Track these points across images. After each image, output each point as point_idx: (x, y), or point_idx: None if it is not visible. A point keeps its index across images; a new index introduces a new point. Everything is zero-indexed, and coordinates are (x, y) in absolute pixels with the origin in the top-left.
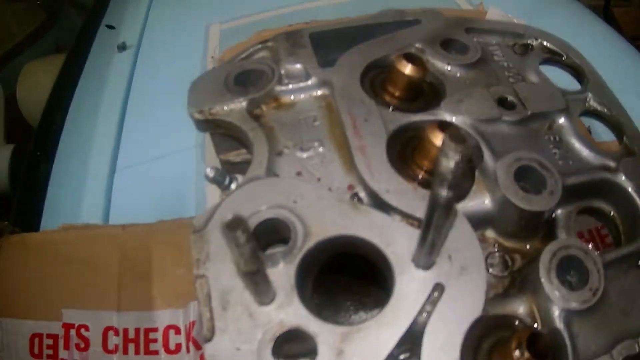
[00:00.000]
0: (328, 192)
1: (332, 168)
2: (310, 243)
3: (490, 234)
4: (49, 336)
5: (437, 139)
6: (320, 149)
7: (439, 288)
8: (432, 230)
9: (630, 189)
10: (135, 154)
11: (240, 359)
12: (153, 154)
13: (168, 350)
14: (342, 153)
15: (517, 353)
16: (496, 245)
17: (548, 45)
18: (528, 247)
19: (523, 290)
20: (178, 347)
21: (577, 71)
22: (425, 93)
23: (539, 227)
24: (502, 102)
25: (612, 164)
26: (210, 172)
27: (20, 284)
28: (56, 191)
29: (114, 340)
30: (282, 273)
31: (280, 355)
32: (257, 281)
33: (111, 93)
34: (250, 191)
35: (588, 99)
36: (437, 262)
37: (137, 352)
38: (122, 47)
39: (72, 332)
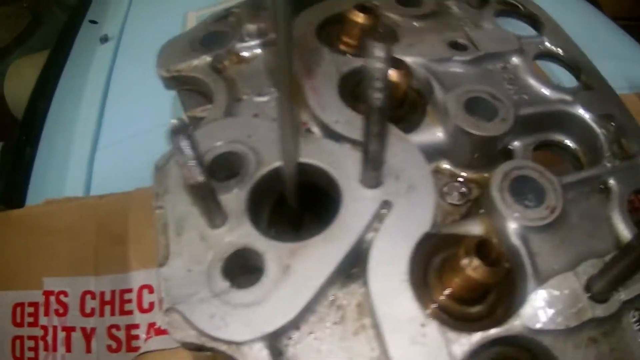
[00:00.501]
0: None
1: None
2: (262, 171)
3: (445, 165)
4: (30, 304)
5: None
6: (276, 94)
7: (386, 205)
8: (372, 141)
9: (588, 119)
10: (115, 133)
11: (192, 279)
12: (132, 131)
13: (142, 309)
14: (297, 95)
15: (465, 260)
16: (452, 176)
17: None
18: (485, 175)
19: (479, 214)
20: (151, 305)
21: (534, 20)
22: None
23: (494, 157)
24: (454, 45)
25: (568, 97)
26: (175, 122)
27: (3, 258)
28: (41, 172)
29: (91, 303)
30: (234, 198)
31: (231, 276)
32: (205, 197)
33: (93, 81)
34: (208, 130)
35: (543, 42)
36: (384, 182)
37: (112, 313)
38: (104, 39)
39: (52, 298)
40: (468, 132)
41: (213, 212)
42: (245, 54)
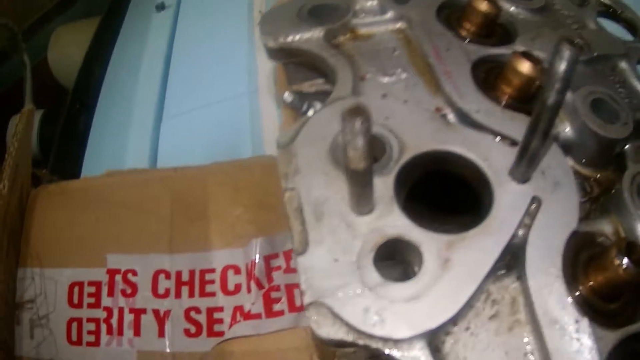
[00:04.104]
0: (419, 110)
1: (418, 92)
2: (407, 156)
3: (569, 162)
4: (90, 284)
5: (523, 66)
6: (404, 75)
7: (536, 201)
8: (536, 138)
9: None
10: (182, 102)
11: (339, 270)
12: (202, 102)
13: (226, 292)
14: (426, 79)
15: (617, 261)
16: (576, 173)
17: (603, 0)
18: (599, 176)
19: (606, 213)
20: (238, 287)
21: (632, 24)
22: (497, 32)
23: (612, 158)
24: (570, 43)
25: None
26: (288, 97)
27: (59, 232)
28: (98, 141)
29: (165, 283)
30: (380, 185)
31: (381, 267)
32: (364, 183)
33: (152, 49)
34: (339, 108)
35: None
36: (532, 177)
37: (191, 294)
38: (161, 7)
39: (118, 277)
40: (595, 132)
41: (365, 198)
42: (361, 30)
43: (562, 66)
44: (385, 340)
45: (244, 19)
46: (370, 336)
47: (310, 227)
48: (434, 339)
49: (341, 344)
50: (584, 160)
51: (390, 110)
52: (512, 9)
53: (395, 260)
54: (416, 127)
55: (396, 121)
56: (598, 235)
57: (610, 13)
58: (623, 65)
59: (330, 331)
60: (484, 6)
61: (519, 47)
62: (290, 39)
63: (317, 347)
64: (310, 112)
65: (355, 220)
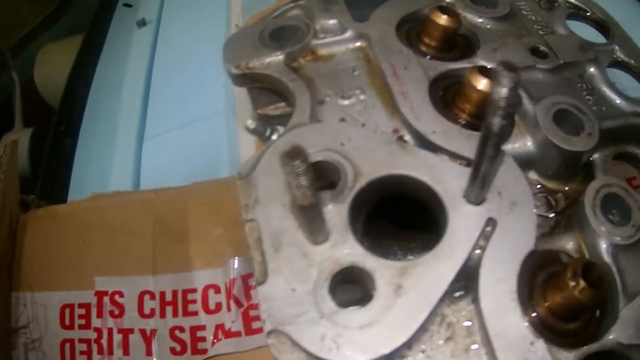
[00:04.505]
0: (375, 134)
1: (375, 113)
2: (362, 183)
3: (533, 175)
4: (80, 306)
5: (479, 82)
6: (362, 96)
7: (491, 223)
8: (484, 163)
9: None
10: (163, 122)
11: (296, 299)
12: (181, 121)
13: (208, 310)
14: (384, 99)
15: (572, 282)
16: (539, 186)
17: (573, 1)
18: (567, 188)
19: (569, 228)
20: (218, 306)
21: (602, 25)
22: (459, 44)
23: (578, 169)
24: (535, 52)
25: None
26: (251, 124)
27: (48, 256)
28: (82, 164)
29: (150, 304)
30: (334, 212)
31: (336, 295)
32: (313, 217)
33: (134, 67)
34: (296, 136)
35: (615, 51)
36: (487, 198)
37: (175, 314)
38: (142, 23)
39: (106, 299)
40: (558, 146)
41: (317, 228)
42: (321, 51)
43: (502, 93)
44: None
45: (222, 34)
46: None
47: (269, 258)
48: None
49: None
50: (548, 174)
51: (346, 135)
52: (475, 18)
53: (352, 284)
54: (371, 152)
55: (351, 147)
56: (559, 253)
57: (580, 15)
58: (592, 70)
59: (290, 358)
60: (442, 20)
61: (480, 60)
62: (251, 64)
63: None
64: (274, 137)
65: (311, 250)
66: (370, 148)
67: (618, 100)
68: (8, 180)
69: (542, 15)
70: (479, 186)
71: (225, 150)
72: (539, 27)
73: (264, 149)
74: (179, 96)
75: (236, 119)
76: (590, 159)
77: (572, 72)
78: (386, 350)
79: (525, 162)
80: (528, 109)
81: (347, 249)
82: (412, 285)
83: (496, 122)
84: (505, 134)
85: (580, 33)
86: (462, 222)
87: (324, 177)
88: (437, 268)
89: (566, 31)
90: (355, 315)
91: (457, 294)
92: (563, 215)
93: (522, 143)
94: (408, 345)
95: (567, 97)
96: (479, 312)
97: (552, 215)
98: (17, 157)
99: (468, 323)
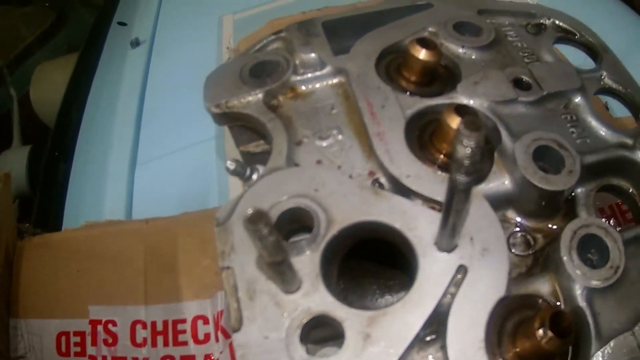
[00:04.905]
0: (349, 179)
1: (352, 155)
2: (334, 230)
3: (511, 214)
4: (76, 334)
5: (455, 122)
6: (340, 137)
7: (462, 270)
8: (452, 215)
9: None
10: (154, 148)
11: (269, 347)
12: (173, 147)
13: (197, 341)
14: (361, 139)
15: (540, 332)
16: (518, 225)
17: (561, 24)
18: (550, 226)
19: (546, 269)
20: (207, 336)
21: (591, 49)
22: (441, 76)
23: (559, 206)
24: (518, 83)
25: (629, 141)
26: (230, 165)
27: (44, 284)
28: (77, 190)
29: (142, 333)
30: (307, 261)
31: (308, 341)
32: (282, 271)
33: (127, 89)
34: (271, 182)
35: (603, 77)
36: (459, 244)
37: (165, 344)
38: (136, 43)
39: (100, 328)
40: (536, 186)
41: (287, 281)
42: (301, 88)
43: (466, 152)
44: None
45: (213, 55)
46: None
47: (244, 305)
48: None
49: None
50: (527, 212)
51: (321, 181)
52: (457, 49)
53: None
54: (344, 198)
55: (326, 193)
56: (534, 297)
57: (568, 38)
58: (578, 100)
59: None
60: (422, 55)
61: (459, 96)
62: (230, 103)
63: None
64: (255, 177)
65: (283, 299)
66: (344, 194)
67: (603, 132)
68: (3, 211)
69: (529, 40)
70: (449, 235)
71: (214, 178)
72: (525, 55)
73: (240, 195)
74: (171, 120)
75: (225, 148)
76: (573, 194)
77: (557, 103)
78: None
79: (503, 201)
80: (507, 146)
81: (318, 298)
82: (380, 335)
83: (461, 179)
84: (470, 189)
85: (570, 56)
86: (433, 270)
87: (300, 221)
88: (405, 317)
89: (553, 58)
90: None
91: (427, 339)
92: (542, 253)
93: (499, 182)
94: None
95: (549, 132)
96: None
97: (530, 253)
98: (10, 188)
99: None
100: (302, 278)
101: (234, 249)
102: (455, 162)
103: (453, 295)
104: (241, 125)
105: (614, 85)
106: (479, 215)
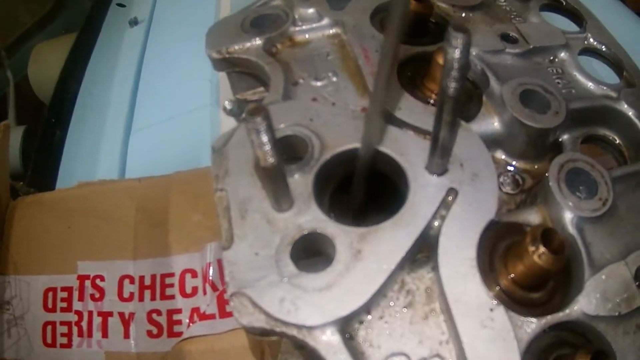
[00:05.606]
0: (342, 111)
1: (346, 94)
2: (327, 155)
3: (500, 155)
4: (63, 289)
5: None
6: (334, 79)
7: (452, 192)
8: (442, 129)
9: (632, 115)
10: (149, 116)
11: (259, 263)
12: (168, 114)
13: (185, 294)
14: (355, 81)
15: (532, 247)
16: (507, 165)
17: None
18: (535, 167)
19: (534, 202)
20: (194, 290)
21: (576, 15)
22: (430, 31)
23: (546, 149)
24: (505, 38)
25: (613, 94)
26: (228, 105)
27: (35, 241)
28: (72, 155)
29: (129, 288)
30: (299, 182)
31: (298, 260)
32: (276, 181)
33: (124, 63)
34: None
35: (587, 38)
36: (449, 169)
37: (152, 298)
38: (134, 22)
39: (87, 283)
40: (524, 124)
41: (281, 195)
42: (298, 37)
43: (455, 54)
44: (299, 327)
45: None
46: (286, 324)
47: (235, 224)
48: (347, 327)
49: (261, 331)
50: (516, 153)
51: (315, 112)
52: (448, 7)
53: (322, 256)
54: (338, 127)
55: (320, 122)
56: (523, 225)
57: (554, 6)
58: (563, 55)
59: (251, 319)
60: (413, 6)
61: None
62: (231, 49)
63: (253, 341)
64: None
65: (275, 217)
66: (337, 123)
67: (589, 84)
68: None
69: (517, 6)
70: (439, 155)
71: (208, 143)
72: (512, 17)
73: (236, 126)
74: (167, 91)
75: (220, 113)
76: (560, 139)
77: (543, 57)
78: (343, 312)
79: (492, 142)
80: (495, 89)
81: (310, 216)
82: (371, 250)
83: (450, 84)
84: (459, 98)
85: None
86: (423, 192)
87: (292, 151)
88: (396, 234)
89: (539, 20)
90: (314, 278)
91: (417, 262)
92: (529, 193)
93: (488, 123)
94: (367, 310)
95: (535, 78)
96: (438, 279)
97: (519, 191)
98: (7, 142)
99: (428, 290)
100: (294, 198)
101: (228, 173)
102: (446, 68)
103: (443, 218)
104: (240, 72)
105: (598, 46)
106: (468, 144)
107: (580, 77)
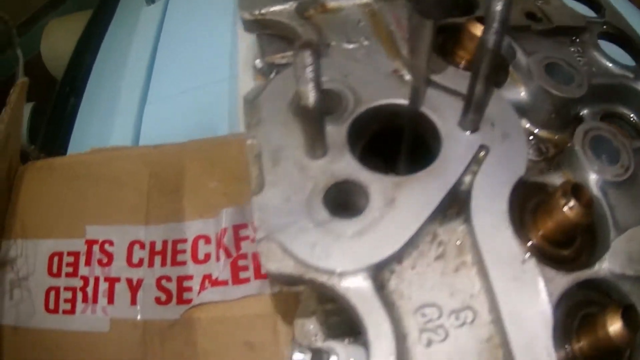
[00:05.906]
0: (376, 70)
1: (378, 57)
2: (361, 108)
3: (525, 124)
4: (69, 254)
5: (477, 30)
6: (366, 42)
7: (484, 149)
8: (479, 82)
9: None
10: (166, 87)
11: (290, 208)
12: (184, 87)
13: (197, 260)
14: (386, 46)
15: (562, 200)
16: (531, 134)
17: None
18: (557, 137)
19: (559, 168)
20: (207, 256)
21: (595, 3)
22: (460, 6)
23: (569, 120)
24: (530, 16)
25: (631, 74)
26: (259, 63)
27: (44, 206)
28: (85, 123)
29: (139, 253)
30: (334, 132)
31: (329, 207)
32: (314, 123)
33: (140, 40)
34: None
35: (606, 23)
36: (480, 128)
37: (163, 264)
38: (151, 1)
39: (96, 247)
40: (549, 92)
41: (317, 139)
42: (331, 4)
43: (497, 6)
44: (330, 273)
45: (229, 10)
46: (316, 269)
47: (266, 171)
48: (378, 275)
49: (289, 279)
50: (540, 122)
51: (350, 69)
52: None
53: (349, 211)
54: (372, 83)
55: (354, 78)
56: (550, 186)
57: None
58: (583, 37)
59: (280, 265)
60: None
61: (478, 13)
62: (264, 11)
63: (276, 296)
64: None
65: (308, 164)
66: (371, 80)
67: (609, 64)
68: (14, 120)
69: None
70: (474, 111)
71: (225, 115)
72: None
73: (270, 79)
74: (183, 66)
75: (238, 86)
76: (580, 114)
77: (565, 37)
78: (374, 260)
79: (518, 111)
80: (522, 60)
81: (344, 164)
82: (404, 199)
83: (492, 37)
84: (497, 52)
85: None
86: (456, 146)
87: (329, 105)
88: (429, 185)
89: (560, 3)
90: (347, 224)
91: (448, 216)
92: (552, 161)
93: (515, 92)
94: (398, 259)
95: (560, 54)
96: (470, 230)
97: (542, 159)
98: (24, 99)
99: (458, 243)
100: (328, 146)
101: (260, 121)
102: (488, 20)
103: (475, 174)
104: (270, 34)
105: (616, 32)
106: (498, 108)
107: (599, 58)
